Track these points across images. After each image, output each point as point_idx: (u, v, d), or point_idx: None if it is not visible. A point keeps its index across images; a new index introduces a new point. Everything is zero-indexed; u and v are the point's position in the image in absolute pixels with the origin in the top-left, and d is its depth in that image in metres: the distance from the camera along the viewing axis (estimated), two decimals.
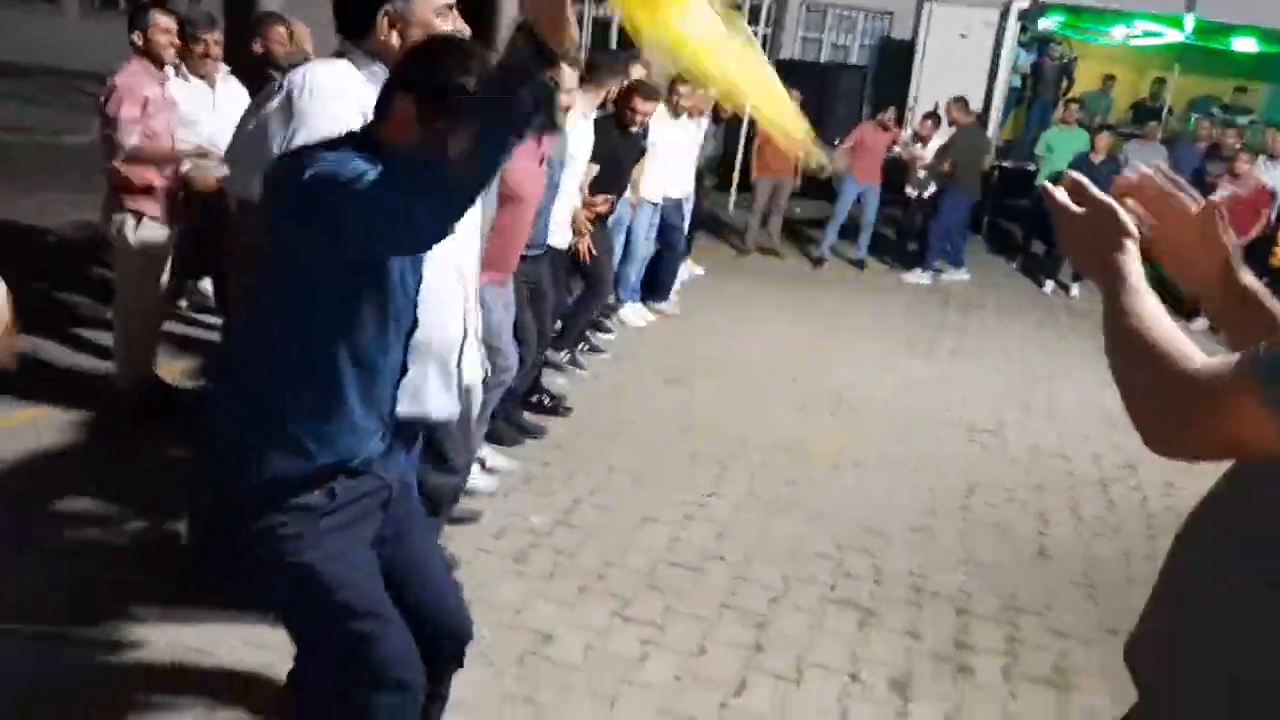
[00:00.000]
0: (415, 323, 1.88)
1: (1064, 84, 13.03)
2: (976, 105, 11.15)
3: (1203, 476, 1.20)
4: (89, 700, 2.55)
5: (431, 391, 2.26)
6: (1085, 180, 1.27)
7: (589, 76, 4.64)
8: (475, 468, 3.90)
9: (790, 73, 13.09)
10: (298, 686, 2.21)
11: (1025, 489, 4.71)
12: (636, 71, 5.27)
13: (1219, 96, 12.92)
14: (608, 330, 6.26)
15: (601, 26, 15.01)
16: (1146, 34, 12.37)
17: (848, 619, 3.38)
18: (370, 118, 1.77)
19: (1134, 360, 1.12)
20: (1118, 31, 12.65)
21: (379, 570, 1.87)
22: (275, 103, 2.15)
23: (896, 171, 10.32)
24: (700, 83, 1.68)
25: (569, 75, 3.63)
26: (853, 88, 14.12)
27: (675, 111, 6.50)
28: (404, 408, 2.08)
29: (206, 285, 5.60)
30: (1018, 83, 13.15)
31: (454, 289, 2.31)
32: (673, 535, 3.83)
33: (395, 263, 1.74)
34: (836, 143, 13.41)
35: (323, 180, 1.55)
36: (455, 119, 1.54)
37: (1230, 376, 1.00)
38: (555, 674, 2.88)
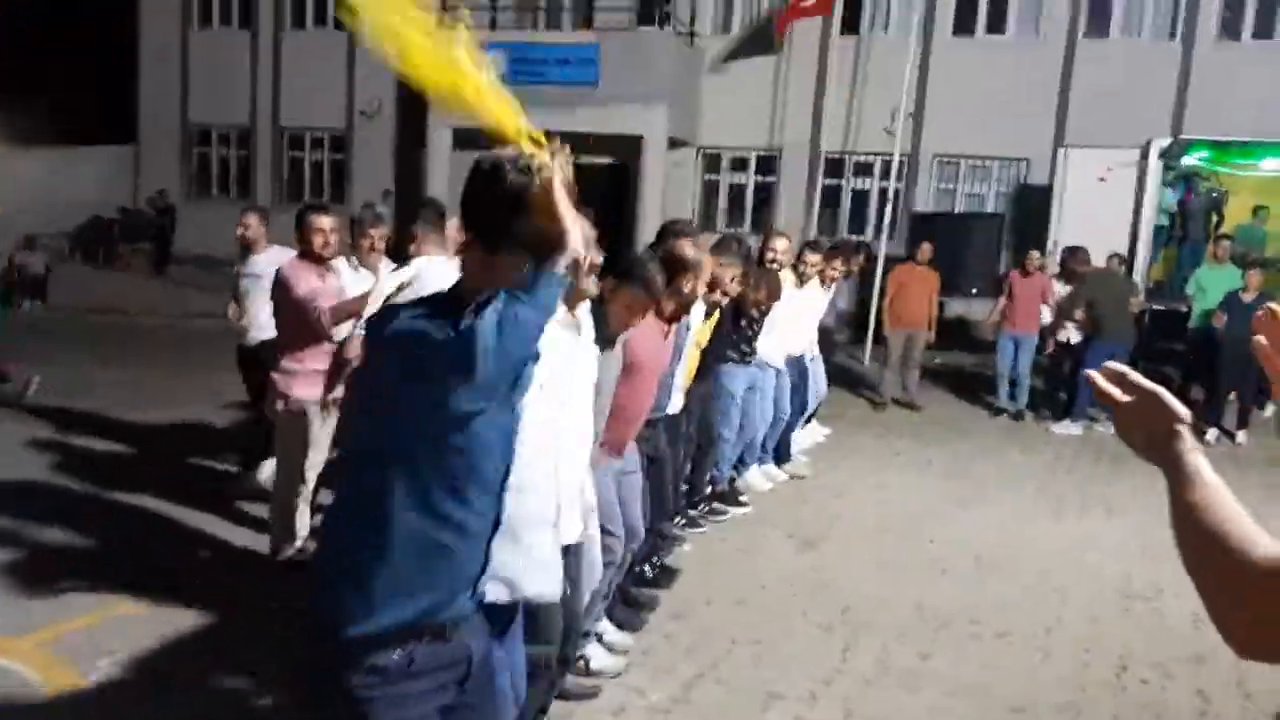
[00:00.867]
0: (506, 479, 1.93)
1: (1213, 219, 12.57)
2: (1121, 247, 10.85)
3: None
4: None
5: (527, 571, 2.30)
6: (1126, 369, 1.26)
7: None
8: (597, 647, 3.90)
9: (925, 225, 13.30)
10: None
11: (1185, 662, 4.31)
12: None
13: None
14: (743, 504, 6.15)
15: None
16: None
17: None
18: None
19: (1198, 555, 1.08)
20: (1268, 164, 12.19)
21: None
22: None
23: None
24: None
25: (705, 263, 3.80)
26: (990, 237, 14.06)
27: (801, 280, 6.61)
28: (500, 594, 2.14)
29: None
30: (1165, 221, 12.74)
31: (544, 456, 2.38)
32: (797, 715, 3.68)
33: (487, 422, 1.81)
34: (974, 291, 13.32)
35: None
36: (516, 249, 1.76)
37: None
38: None
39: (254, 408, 5.94)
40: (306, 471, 4.67)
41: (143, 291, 14.91)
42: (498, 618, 2.17)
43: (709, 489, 5.96)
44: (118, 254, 17.88)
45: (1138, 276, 11.18)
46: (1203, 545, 1.06)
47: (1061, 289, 9.62)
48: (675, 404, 4.53)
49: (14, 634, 3.93)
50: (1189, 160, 12.40)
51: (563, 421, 2.45)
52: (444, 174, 14.88)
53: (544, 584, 2.37)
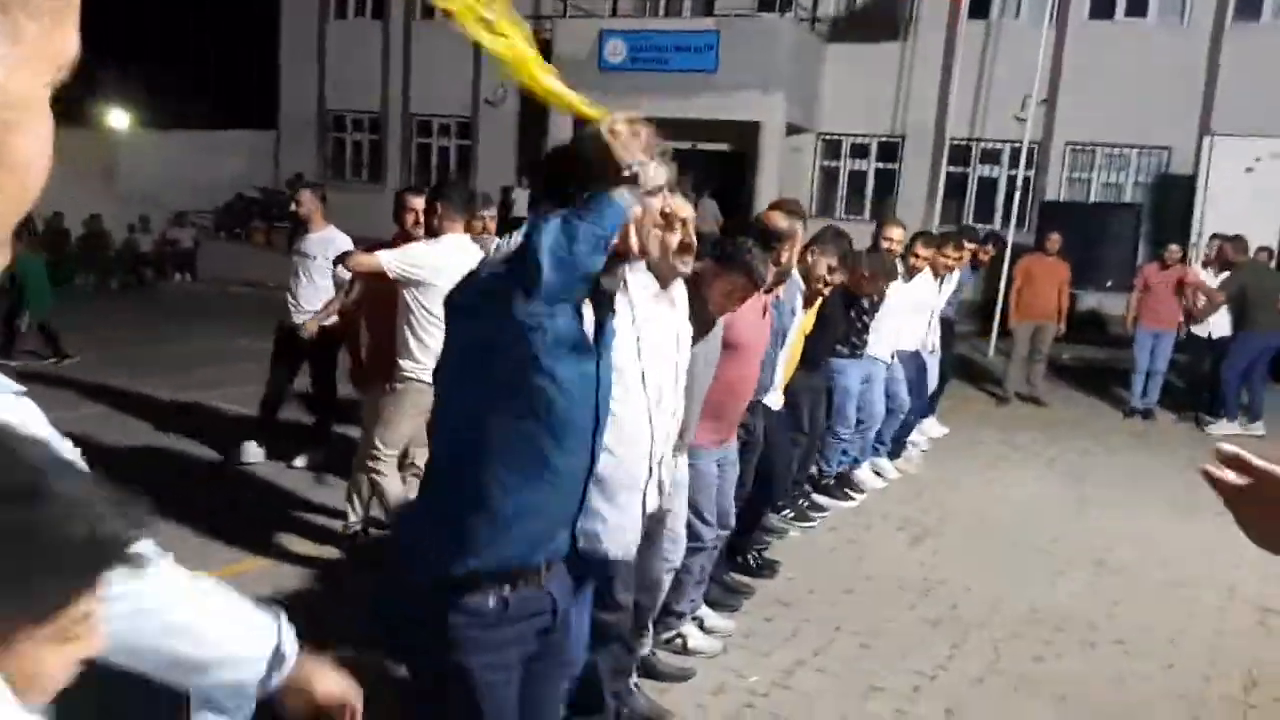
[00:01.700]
0: (599, 429, 1.97)
1: None
2: (1270, 240, 10.20)
3: None
4: None
5: (605, 525, 2.36)
6: (1242, 452, 1.13)
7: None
8: (693, 627, 3.92)
9: (1056, 214, 12.78)
10: None
11: None
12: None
13: None
14: (852, 497, 6.04)
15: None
16: None
17: None
18: None
19: None
20: None
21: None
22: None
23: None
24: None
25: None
26: (1126, 228, 13.44)
27: (910, 273, 6.39)
28: (582, 545, 2.19)
29: None
30: None
31: (641, 423, 2.42)
32: (898, 708, 3.63)
33: (568, 366, 1.84)
34: (1108, 284, 12.74)
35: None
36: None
37: None
38: None
39: (276, 389, 6.05)
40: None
41: (281, 267, 15.64)
42: (577, 570, 2.22)
43: (821, 482, 5.90)
44: (258, 232, 18.77)
45: None
46: None
47: (1211, 278, 9.07)
48: (775, 400, 4.47)
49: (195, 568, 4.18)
50: None
51: (658, 390, 2.46)
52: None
53: (624, 544, 2.43)
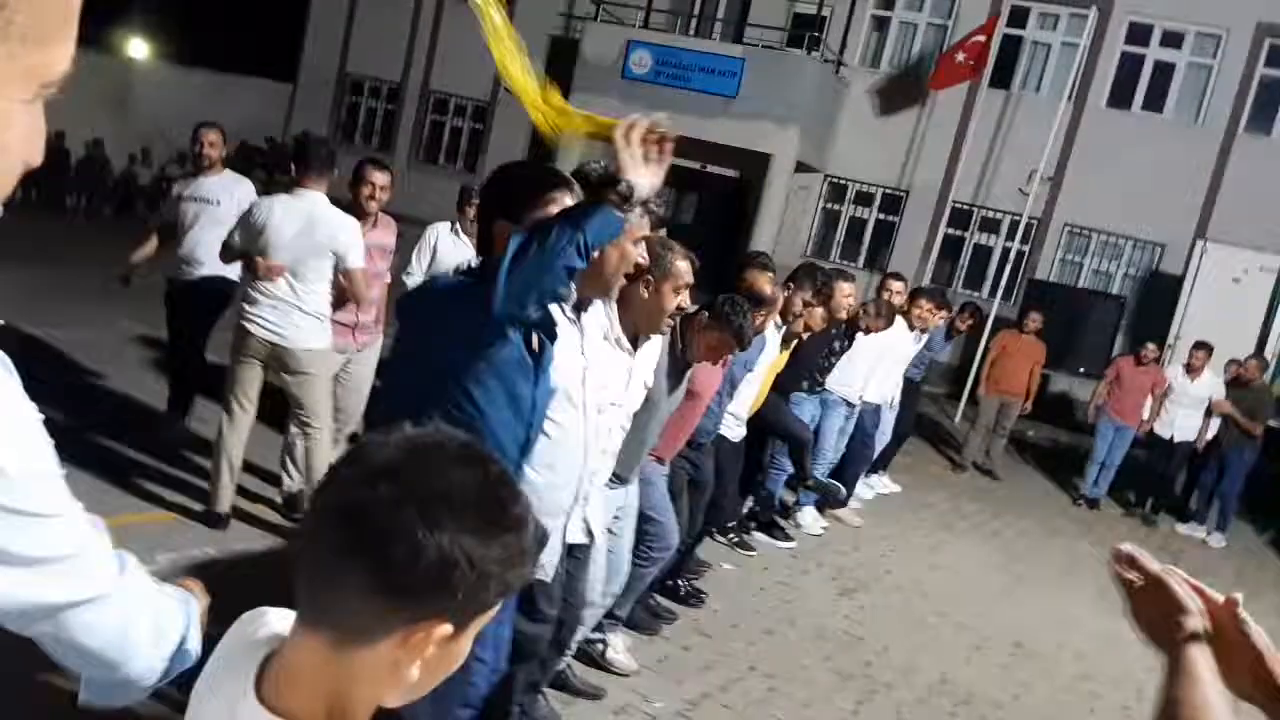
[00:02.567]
0: (526, 450, 2.02)
1: None
2: (1244, 353, 10.38)
3: None
4: None
5: None
6: (1139, 552, 1.22)
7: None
8: (619, 639, 3.98)
9: (1043, 293, 12.94)
10: None
11: None
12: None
13: None
14: (788, 539, 6.12)
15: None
16: None
17: None
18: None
19: None
20: None
21: None
22: None
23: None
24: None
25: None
26: (1109, 317, 13.61)
27: (911, 324, 6.61)
28: None
29: None
30: None
31: (576, 450, 2.45)
32: None
33: (504, 384, 1.90)
34: (1081, 370, 12.91)
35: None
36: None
37: None
38: None
39: (177, 350, 5.53)
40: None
41: None
42: None
43: (762, 511, 5.99)
44: (257, 182, 18.74)
45: None
46: None
47: (1187, 385, 9.07)
48: (737, 433, 4.58)
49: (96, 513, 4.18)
50: None
51: (596, 424, 2.52)
52: (574, 156, 15.15)
53: (542, 564, 2.47)
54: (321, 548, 0.81)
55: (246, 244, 4.35)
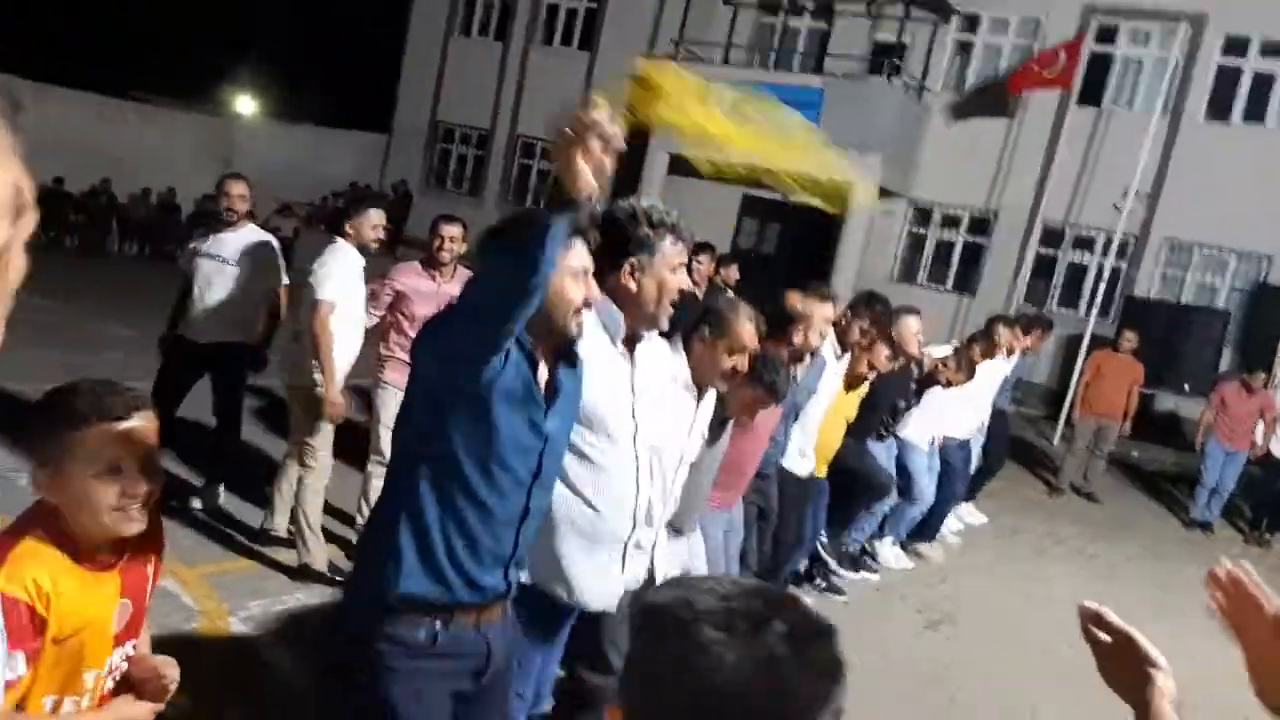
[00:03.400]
0: (540, 473, 2.01)
1: None
2: None
3: None
4: None
5: (584, 575, 2.36)
6: (1105, 610, 1.29)
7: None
8: None
9: (1142, 310, 12.53)
10: None
11: None
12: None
13: None
14: (873, 570, 6.06)
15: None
16: None
17: None
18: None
19: None
20: None
21: None
22: None
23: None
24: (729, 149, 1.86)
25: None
26: (1213, 333, 13.08)
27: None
28: (560, 592, 2.33)
29: None
30: None
31: (627, 481, 2.40)
32: None
33: (510, 412, 1.91)
34: (1186, 388, 12.42)
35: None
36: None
37: None
38: None
39: (161, 403, 5.20)
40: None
41: (374, 264, 16.29)
42: (552, 616, 2.31)
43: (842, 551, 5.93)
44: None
45: None
46: None
47: None
48: (803, 466, 4.57)
49: (185, 562, 4.41)
50: None
51: (649, 456, 2.48)
52: (657, 194, 15.38)
53: (602, 595, 2.44)
54: None
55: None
